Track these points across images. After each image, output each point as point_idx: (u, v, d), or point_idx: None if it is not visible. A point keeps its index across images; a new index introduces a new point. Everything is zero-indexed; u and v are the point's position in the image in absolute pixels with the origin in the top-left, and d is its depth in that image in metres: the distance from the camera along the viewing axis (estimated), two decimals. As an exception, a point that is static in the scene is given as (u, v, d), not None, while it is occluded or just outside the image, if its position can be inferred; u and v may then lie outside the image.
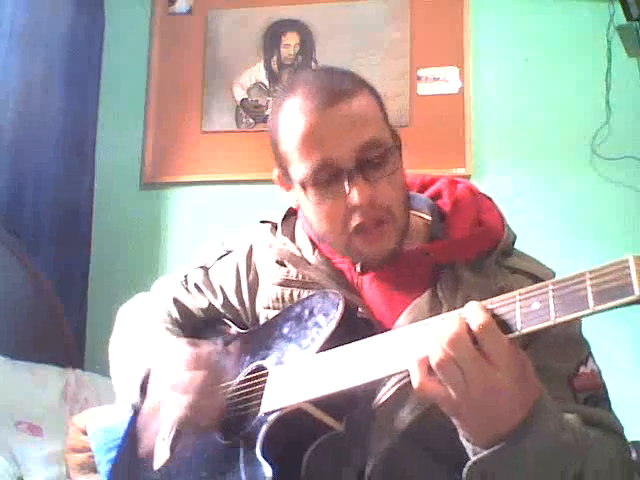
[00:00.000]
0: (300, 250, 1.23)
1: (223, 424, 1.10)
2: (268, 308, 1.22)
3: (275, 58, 3.13)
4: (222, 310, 1.31)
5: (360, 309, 1.11)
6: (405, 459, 1.06)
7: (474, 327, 0.81)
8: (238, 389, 1.13)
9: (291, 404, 1.00)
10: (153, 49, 3.21)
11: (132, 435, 1.23)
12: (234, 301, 1.28)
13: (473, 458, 0.88)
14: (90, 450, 2.14)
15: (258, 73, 3.13)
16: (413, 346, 0.87)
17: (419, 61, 2.98)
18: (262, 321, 1.23)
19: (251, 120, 3.09)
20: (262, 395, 1.06)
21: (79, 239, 3.02)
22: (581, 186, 2.81)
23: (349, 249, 1.13)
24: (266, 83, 3.11)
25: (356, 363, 0.94)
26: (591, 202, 2.79)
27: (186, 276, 1.36)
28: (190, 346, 1.12)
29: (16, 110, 2.74)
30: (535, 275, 1.15)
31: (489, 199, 1.24)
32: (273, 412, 1.02)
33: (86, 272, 3.04)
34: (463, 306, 0.85)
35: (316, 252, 1.22)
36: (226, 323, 1.30)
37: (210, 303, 1.32)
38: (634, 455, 2.18)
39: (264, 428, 1.01)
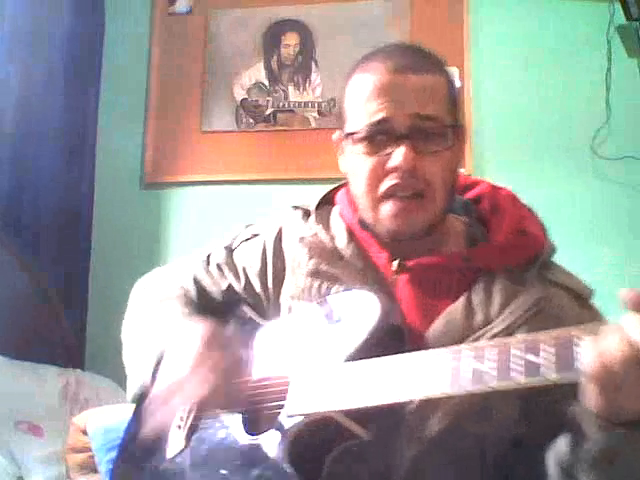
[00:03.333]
0: (333, 239, 1.19)
1: (242, 417, 1.08)
2: (294, 298, 1.17)
3: (275, 58, 3.13)
4: (243, 293, 1.25)
5: (394, 317, 1.07)
6: (432, 468, 1.03)
7: None
8: (261, 383, 1.10)
9: (319, 411, 0.98)
10: (153, 49, 3.21)
11: (141, 418, 1.17)
12: (256, 285, 1.23)
13: (606, 433, 0.87)
14: (90, 450, 2.14)
15: (258, 73, 3.13)
16: (458, 370, 0.85)
17: (419, 61, 2.98)
18: (286, 311, 1.18)
19: (251, 120, 3.09)
20: (286, 394, 1.03)
21: (79, 239, 3.02)
22: (581, 186, 2.81)
23: (376, 216, 1.12)
24: (266, 83, 3.11)
25: (394, 379, 0.91)
26: (591, 202, 2.79)
27: (208, 256, 1.31)
28: (213, 326, 1.10)
29: (16, 110, 2.74)
30: (574, 290, 1.13)
31: (530, 209, 1.22)
32: (299, 416, 1.00)
33: (86, 272, 3.04)
34: (498, 316, 0.85)
35: (352, 243, 1.17)
36: (245, 309, 1.25)
37: (230, 285, 1.26)
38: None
39: (289, 432, 0.99)
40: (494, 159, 2.87)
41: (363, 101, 1.12)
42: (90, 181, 3.09)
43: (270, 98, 3.09)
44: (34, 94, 2.83)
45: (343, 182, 1.25)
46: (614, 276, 2.57)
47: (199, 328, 1.09)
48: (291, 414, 1.00)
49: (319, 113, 3.03)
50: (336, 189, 1.29)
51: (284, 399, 1.03)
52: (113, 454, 1.99)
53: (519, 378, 0.82)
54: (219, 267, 1.28)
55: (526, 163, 2.85)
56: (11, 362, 2.39)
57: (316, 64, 3.08)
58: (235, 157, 3.06)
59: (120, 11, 3.23)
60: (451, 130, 1.12)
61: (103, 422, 2.13)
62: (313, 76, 3.08)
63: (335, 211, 1.24)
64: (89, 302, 3.01)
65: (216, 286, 1.28)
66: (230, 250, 1.29)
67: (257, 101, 3.10)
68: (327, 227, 1.21)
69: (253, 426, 1.06)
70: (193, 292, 1.28)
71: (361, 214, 1.16)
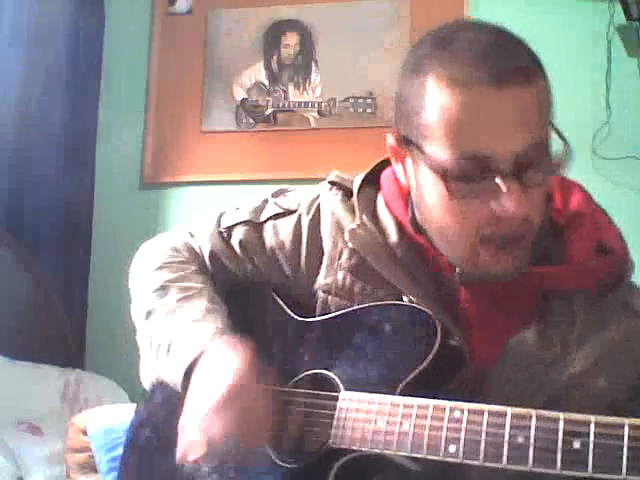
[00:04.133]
0: (383, 233, 1.02)
1: (275, 434, 0.97)
2: (330, 294, 1.04)
3: (275, 58, 3.13)
4: (269, 276, 1.11)
5: (454, 338, 0.93)
6: None
7: None
8: (300, 399, 0.99)
9: (372, 450, 0.88)
10: (153, 49, 3.20)
11: (158, 411, 1.12)
12: (286, 269, 1.09)
13: None
14: (90, 450, 2.14)
15: (258, 73, 3.12)
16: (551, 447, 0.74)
17: (419, 61, 2.98)
18: (321, 304, 1.05)
19: (251, 120, 3.09)
20: (331, 420, 0.93)
21: (79, 239, 3.02)
22: (581, 186, 2.81)
23: (467, 255, 0.94)
24: (266, 83, 3.11)
25: (465, 434, 0.81)
26: (591, 202, 2.79)
27: (229, 228, 1.15)
28: (246, 352, 0.96)
29: (16, 110, 2.74)
30: None
31: (605, 212, 1.07)
32: (347, 449, 0.90)
33: (86, 272, 3.04)
34: (577, 351, 0.78)
35: (404, 241, 1.01)
36: (272, 293, 1.12)
37: (255, 267, 1.12)
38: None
39: (335, 465, 0.89)
40: (494, 159, 2.87)
41: (450, 126, 0.89)
42: (90, 181, 3.09)
43: (270, 98, 3.09)
44: (34, 94, 2.83)
45: (386, 156, 1.05)
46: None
47: (237, 357, 0.96)
48: (339, 445, 0.91)
49: (319, 113, 3.03)
50: (382, 165, 1.09)
51: (328, 426, 0.93)
52: (113, 454, 2.00)
53: (557, 464, 0.74)
54: (242, 245, 1.12)
55: (526, 163, 2.85)
56: (11, 362, 2.39)
57: (316, 64, 3.07)
58: (235, 157, 3.06)
59: (120, 11, 3.23)
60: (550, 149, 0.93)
61: (103, 422, 2.13)
62: (313, 76, 3.07)
63: (381, 199, 1.06)
64: (89, 302, 3.01)
65: (239, 265, 1.13)
66: (256, 226, 1.13)
67: (257, 101, 3.10)
68: (374, 216, 1.04)
69: (290, 443, 0.98)
70: (210, 267, 1.15)
71: (441, 239, 0.97)
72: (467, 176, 0.89)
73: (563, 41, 2.90)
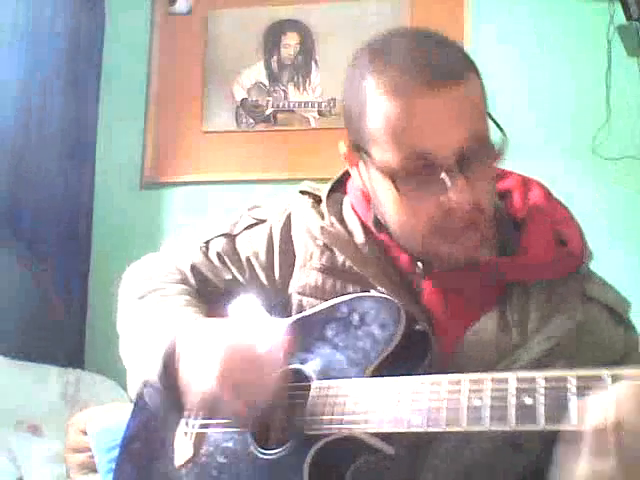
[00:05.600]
0: (351, 235, 1.07)
1: (255, 428, 1.00)
2: (304, 294, 1.08)
3: (275, 58, 3.13)
4: (247, 286, 1.15)
5: (419, 323, 0.97)
6: None
7: None
8: (278, 395, 1.01)
9: (343, 432, 0.91)
10: (153, 49, 3.21)
11: (146, 420, 1.14)
12: (262, 277, 1.13)
13: None
14: (90, 450, 2.14)
15: (258, 73, 3.12)
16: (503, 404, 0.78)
17: (419, 61, 2.98)
18: (296, 307, 1.09)
19: (251, 120, 3.09)
20: (305, 409, 0.96)
21: (79, 239, 3.02)
22: (581, 186, 2.81)
23: (426, 248, 0.99)
24: (266, 83, 3.11)
25: (428, 404, 0.84)
26: (591, 202, 2.79)
27: (207, 242, 1.19)
28: (230, 329, 0.99)
29: (16, 110, 2.74)
30: (612, 308, 1.04)
31: (565, 206, 1.11)
32: (320, 435, 0.93)
33: (86, 272, 3.04)
34: (535, 337, 0.80)
35: (370, 240, 1.06)
36: (250, 302, 1.14)
37: (233, 276, 1.16)
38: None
39: (310, 452, 0.92)
40: (494, 159, 2.86)
41: (392, 131, 0.94)
42: (90, 181, 3.09)
43: (270, 98, 3.09)
44: (34, 94, 2.83)
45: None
46: (614, 276, 2.57)
47: (216, 328, 0.99)
48: (312, 432, 0.94)
49: (319, 113, 3.03)
50: (347, 174, 1.14)
51: (302, 413, 0.96)
52: (113, 454, 2.00)
53: (511, 421, 0.77)
54: (219, 256, 1.17)
55: (526, 163, 2.84)
56: (11, 362, 2.39)
57: (316, 64, 3.07)
58: (235, 157, 3.06)
59: (120, 11, 3.23)
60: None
61: (103, 422, 2.13)
62: (313, 76, 3.08)
63: (347, 202, 1.12)
64: (89, 302, 3.02)
65: (217, 276, 1.17)
66: (232, 237, 1.17)
67: (257, 101, 3.10)
68: (341, 220, 1.09)
69: (264, 438, 1.00)
70: (192, 280, 1.18)
71: (397, 233, 1.03)
72: (413, 174, 0.94)
73: (563, 41, 2.91)
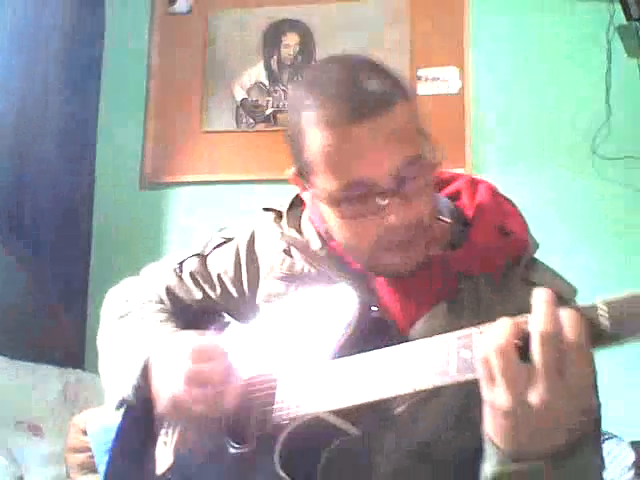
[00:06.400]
0: (308, 242, 1.14)
1: (229, 427, 1.06)
2: (269, 302, 1.15)
3: (275, 58, 3.13)
4: (219, 302, 1.22)
5: (374, 308, 1.04)
6: (412, 470, 1.02)
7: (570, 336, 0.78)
8: (246, 389, 1.07)
9: (309, 414, 0.96)
10: (153, 49, 3.21)
11: (127, 434, 1.20)
12: (233, 291, 1.21)
13: (509, 467, 0.82)
14: (90, 450, 2.14)
15: (258, 73, 3.13)
16: (444, 360, 0.84)
17: (419, 61, 2.98)
18: (263, 315, 1.16)
19: (251, 120, 3.09)
20: (273, 400, 1.02)
21: (79, 239, 3.02)
22: (581, 186, 2.81)
23: (374, 261, 1.04)
24: (266, 83, 3.11)
25: (380, 374, 0.90)
26: (591, 202, 2.79)
27: (181, 264, 1.26)
28: (196, 337, 1.06)
29: (16, 110, 2.74)
30: (557, 293, 1.05)
31: (511, 202, 1.16)
32: (289, 421, 0.98)
33: (86, 272, 3.04)
34: (483, 323, 0.81)
35: (326, 246, 1.12)
36: (224, 316, 1.22)
37: (206, 294, 1.23)
38: (634, 455, 2.17)
39: (281, 439, 0.97)
40: (494, 159, 2.87)
41: (328, 161, 0.99)
42: (90, 181, 3.10)
43: (270, 98, 3.09)
44: (34, 94, 2.83)
45: None
46: (616, 274, 2.58)
47: (183, 340, 1.07)
48: (282, 419, 0.99)
49: (319, 113, 3.03)
50: None
51: (271, 404, 1.02)
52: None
53: (454, 373, 0.83)
54: (192, 276, 1.24)
55: (526, 163, 2.85)
56: (11, 362, 2.39)
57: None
58: (235, 157, 3.06)
59: (120, 11, 3.23)
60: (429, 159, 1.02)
61: (103, 422, 2.13)
62: (313, 76, 3.08)
63: (305, 215, 1.19)
64: (89, 302, 3.02)
65: (190, 295, 1.24)
66: (203, 257, 1.25)
67: (257, 101, 3.10)
68: (299, 231, 1.17)
69: (239, 434, 1.05)
70: (167, 302, 1.25)
71: (344, 248, 1.10)
72: (353, 201, 0.99)
73: (563, 41, 2.91)
